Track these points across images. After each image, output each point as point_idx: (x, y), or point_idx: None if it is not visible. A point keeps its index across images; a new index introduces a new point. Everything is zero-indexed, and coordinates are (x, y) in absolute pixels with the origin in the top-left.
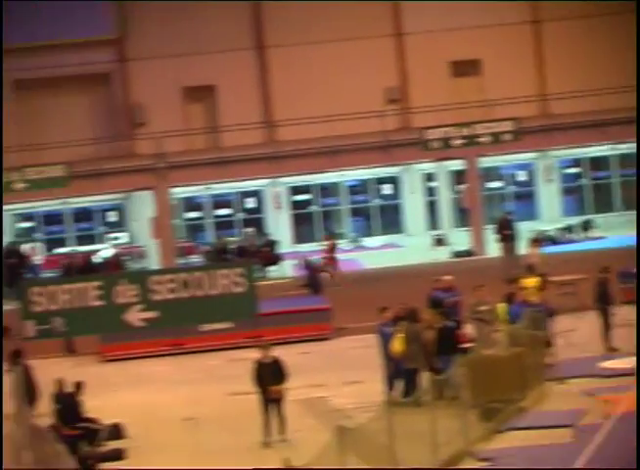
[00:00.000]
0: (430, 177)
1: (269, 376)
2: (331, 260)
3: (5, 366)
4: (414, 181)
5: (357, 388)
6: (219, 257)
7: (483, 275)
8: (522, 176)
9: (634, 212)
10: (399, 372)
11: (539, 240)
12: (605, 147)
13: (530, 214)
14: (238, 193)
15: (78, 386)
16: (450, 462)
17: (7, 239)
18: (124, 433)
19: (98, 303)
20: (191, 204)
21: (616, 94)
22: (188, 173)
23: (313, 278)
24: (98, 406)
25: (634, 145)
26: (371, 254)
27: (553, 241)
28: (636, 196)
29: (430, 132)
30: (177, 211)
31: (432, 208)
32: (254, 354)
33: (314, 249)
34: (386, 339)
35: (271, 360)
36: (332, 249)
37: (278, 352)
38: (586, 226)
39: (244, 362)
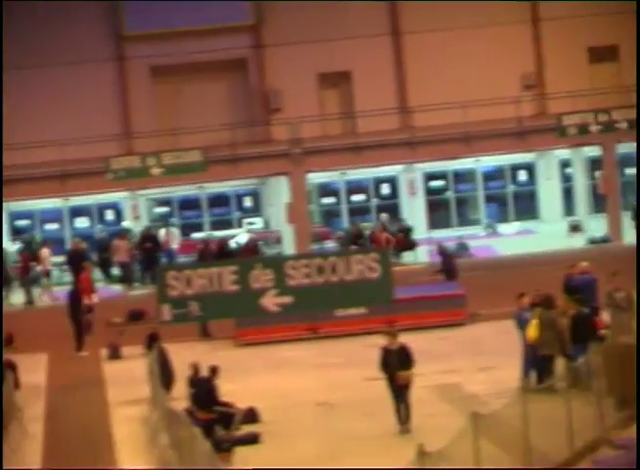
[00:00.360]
0: (566, 164)
1: (396, 363)
2: None
3: (141, 350)
4: (550, 168)
5: (492, 374)
6: (354, 242)
7: (620, 262)
8: None
9: None
10: (534, 359)
11: None
12: None
13: None
14: (373, 179)
15: (214, 370)
16: (586, 450)
17: (143, 223)
18: (259, 417)
19: (233, 287)
20: (326, 189)
21: None
22: (323, 159)
23: (448, 264)
24: (233, 390)
25: None
26: (506, 240)
27: None
28: (636, 196)
29: (566, 118)
30: (312, 197)
31: (567, 194)
32: None
33: (449, 235)
34: (523, 325)
35: (398, 347)
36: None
37: (412, 338)
38: None
39: (378, 348)
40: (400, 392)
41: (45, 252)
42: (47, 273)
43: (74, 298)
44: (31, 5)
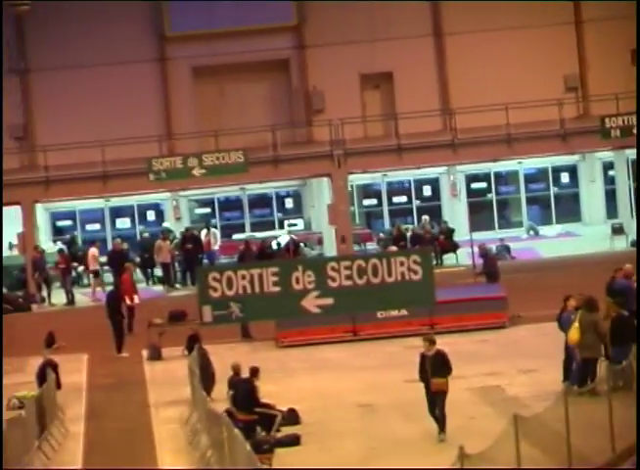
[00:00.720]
0: (609, 166)
1: (432, 369)
2: None
3: (182, 351)
4: (593, 170)
5: (533, 376)
6: (395, 244)
7: None
8: None
9: None
10: (576, 362)
11: None
12: None
13: None
14: (414, 180)
15: (254, 371)
16: (627, 452)
17: (184, 224)
18: (300, 419)
19: (275, 289)
20: (367, 191)
21: None
22: (365, 160)
23: (490, 266)
24: (274, 392)
25: None
26: (547, 243)
27: None
28: (636, 196)
29: (609, 120)
30: (353, 198)
31: (610, 196)
32: None
33: (490, 237)
34: (566, 328)
35: (434, 353)
36: None
37: (453, 341)
38: None
39: (420, 350)
40: (436, 398)
41: (93, 251)
42: (96, 273)
43: (113, 299)
44: (75, 5)
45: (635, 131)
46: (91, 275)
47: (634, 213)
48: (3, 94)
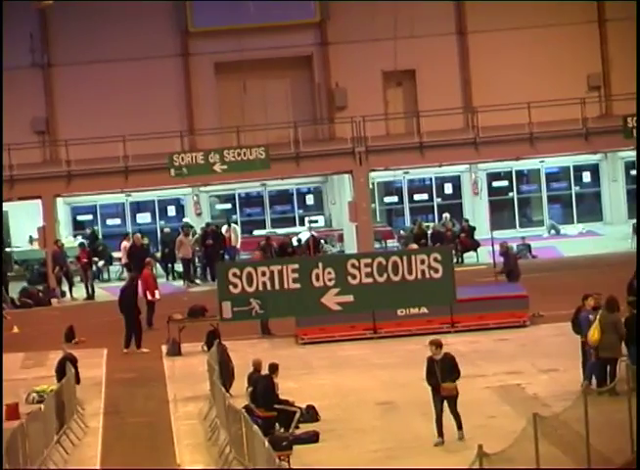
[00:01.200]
0: (631, 165)
1: (441, 373)
2: None
3: (201, 347)
4: (615, 169)
5: (553, 376)
6: (416, 242)
7: None
8: None
9: None
10: (596, 361)
11: None
12: None
13: None
14: (436, 178)
15: (274, 368)
16: None
17: (205, 220)
18: (319, 416)
19: (295, 285)
20: (389, 188)
21: None
22: (387, 158)
23: (511, 265)
24: (293, 389)
25: None
26: (569, 242)
27: None
28: (636, 197)
29: (632, 120)
30: (375, 196)
31: (632, 196)
32: (452, 340)
33: (511, 236)
34: (584, 327)
35: (442, 357)
36: None
37: (473, 339)
38: None
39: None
40: (447, 402)
41: (125, 245)
42: (128, 266)
43: (129, 293)
44: (99, 0)
45: None
46: (124, 268)
47: None
48: (3, 94)
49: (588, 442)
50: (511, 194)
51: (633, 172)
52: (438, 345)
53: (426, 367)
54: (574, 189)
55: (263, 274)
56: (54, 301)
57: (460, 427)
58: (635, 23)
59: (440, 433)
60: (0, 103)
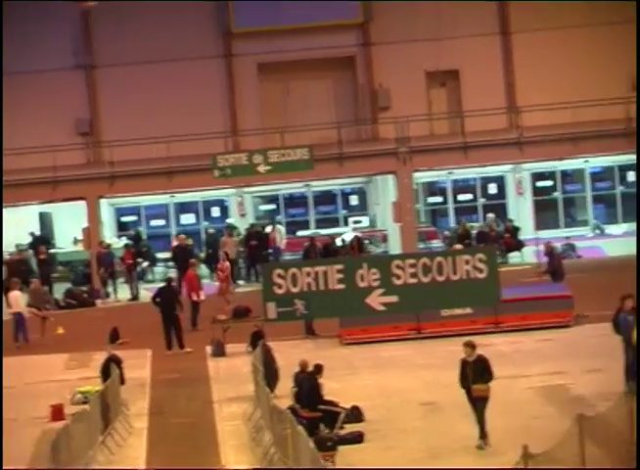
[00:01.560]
0: None
1: (473, 375)
2: None
3: (246, 348)
4: None
5: (598, 376)
6: (460, 242)
7: None
8: None
9: None
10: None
11: None
12: None
13: None
14: (480, 178)
15: (318, 368)
16: None
17: (249, 221)
18: (363, 416)
19: (339, 286)
20: (432, 188)
21: None
22: (430, 158)
23: (555, 265)
24: (337, 389)
25: None
26: (613, 241)
27: None
28: (636, 197)
29: None
30: (419, 196)
31: None
32: (495, 340)
33: (556, 236)
34: (625, 328)
35: (475, 359)
36: None
37: (517, 339)
38: None
39: (484, 349)
40: (477, 404)
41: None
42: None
43: (169, 294)
44: (141, 1)
45: None
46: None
47: None
48: (3, 95)
49: (632, 441)
50: (555, 194)
51: None
52: (472, 346)
53: (460, 369)
54: (619, 189)
55: (308, 275)
56: (98, 302)
57: (482, 435)
58: (636, 24)
59: (483, 435)
60: (0, 105)
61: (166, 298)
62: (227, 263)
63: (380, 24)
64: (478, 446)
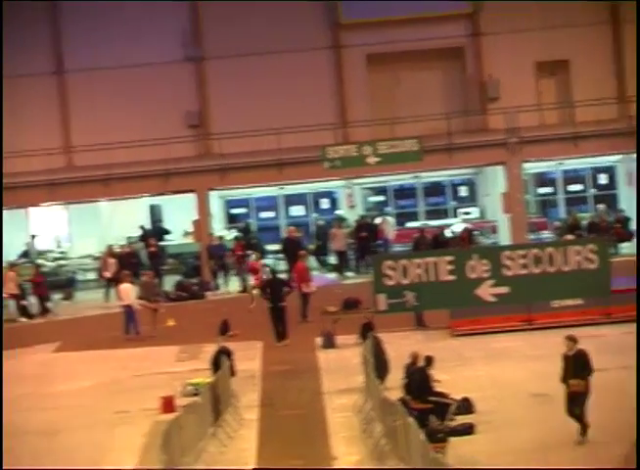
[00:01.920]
0: None
1: (572, 369)
2: None
3: (355, 339)
4: None
5: None
6: (571, 233)
7: None
8: None
9: None
10: None
11: None
12: None
13: None
14: (590, 169)
15: (429, 360)
16: None
17: (358, 212)
18: (474, 407)
19: (449, 277)
20: (542, 179)
21: None
22: (540, 148)
23: None
24: (447, 381)
25: None
26: None
27: None
28: (636, 197)
29: None
30: (528, 187)
31: None
32: (606, 332)
33: None
34: None
35: (575, 353)
36: None
37: (629, 330)
38: None
39: (595, 340)
40: (573, 400)
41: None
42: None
43: (277, 286)
44: None
45: None
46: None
47: None
48: (3, 96)
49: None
50: None
51: None
52: (573, 340)
53: (562, 364)
54: None
55: (418, 266)
56: (208, 294)
57: (585, 430)
58: (636, 24)
59: (583, 430)
60: (0, 106)
61: (273, 289)
62: (262, 262)
63: (489, 15)
64: (577, 441)
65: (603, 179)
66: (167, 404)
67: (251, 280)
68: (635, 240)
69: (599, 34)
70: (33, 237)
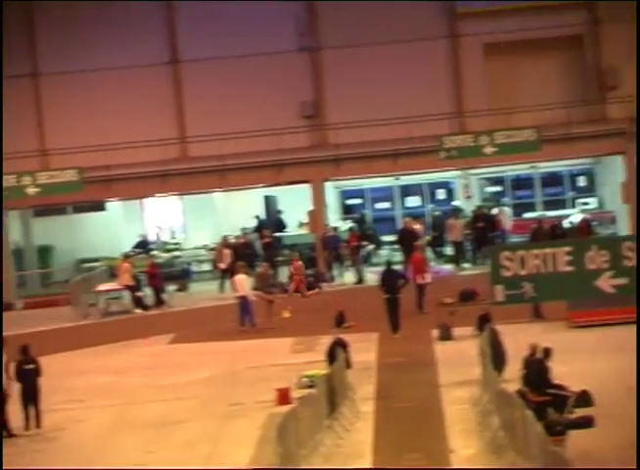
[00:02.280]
0: None
1: None
2: None
3: (472, 331)
4: None
5: None
6: None
7: None
8: None
9: None
10: None
11: None
12: None
13: None
14: None
15: (547, 352)
16: None
17: (475, 203)
18: (593, 400)
19: (568, 268)
20: None
21: None
22: None
23: None
24: (565, 373)
25: None
26: None
27: None
28: (636, 197)
29: None
30: None
31: None
32: None
33: None
34: None
35: None
36: None
37: None
38: None
39: None
40: None
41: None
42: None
43: (391, 277)
44: None
45: None
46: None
47: None
48: (3, 96)
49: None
50: None
51: None
52: None
53: None
54: None
55: (536, 257)
56: (324, 285)
57: None
58: (636, 24)
59: None
60: (0, 106)
61: (389, 281)
62: (300, 263)
63: (608, 2)
64: None
65: None
66: (283, 397)
67: (291, 284)
68: None
69: None
70: (158, 229)
